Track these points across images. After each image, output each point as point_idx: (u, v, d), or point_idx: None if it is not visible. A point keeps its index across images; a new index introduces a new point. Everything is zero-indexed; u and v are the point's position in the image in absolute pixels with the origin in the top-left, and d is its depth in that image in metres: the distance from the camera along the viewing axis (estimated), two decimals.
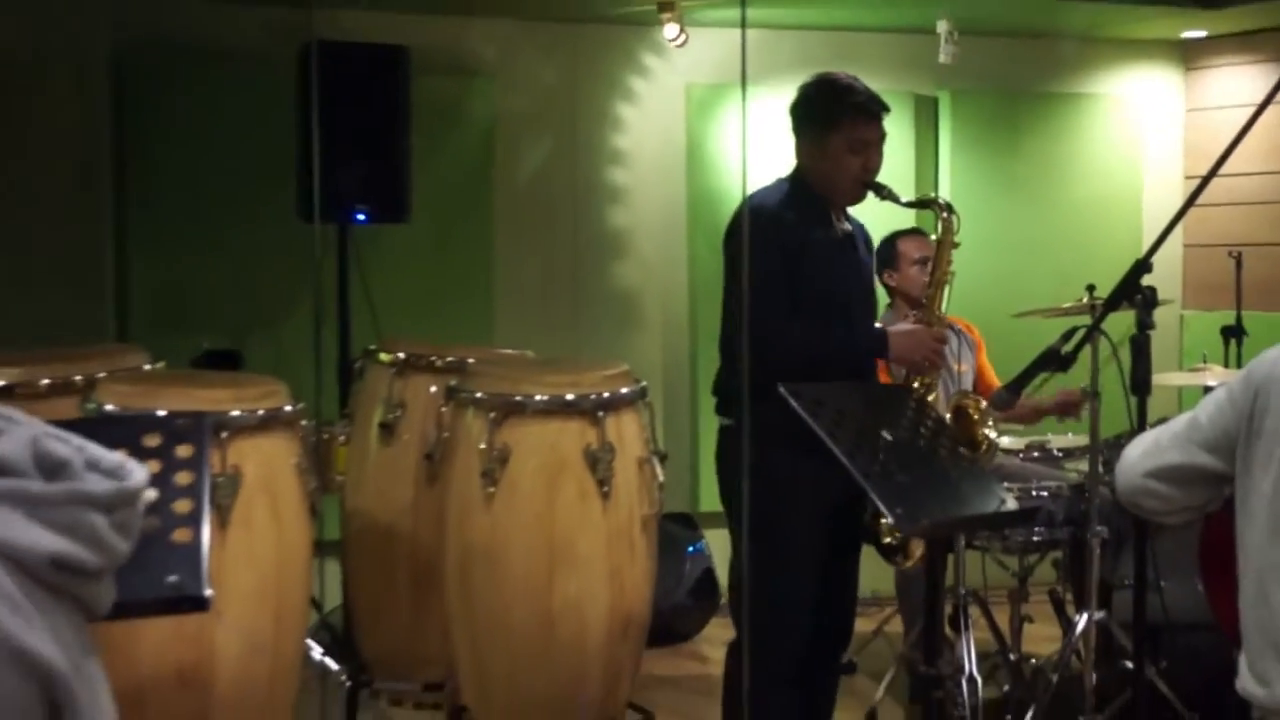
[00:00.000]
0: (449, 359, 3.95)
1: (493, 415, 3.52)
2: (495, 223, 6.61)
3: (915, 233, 5.58)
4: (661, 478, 3.68)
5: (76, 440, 1.61)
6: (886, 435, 3.22)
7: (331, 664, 4.81)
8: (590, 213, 6.80)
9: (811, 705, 4.16)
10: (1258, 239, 7.07)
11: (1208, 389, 5.48)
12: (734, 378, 4.00)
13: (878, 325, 4.26)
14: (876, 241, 4.67)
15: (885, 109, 4.09)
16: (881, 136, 4.09)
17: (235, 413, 3.23)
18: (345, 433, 4.13)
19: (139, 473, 1.64)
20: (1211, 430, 2.79)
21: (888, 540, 4.13)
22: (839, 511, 4.10)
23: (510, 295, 6.60)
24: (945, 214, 4.26)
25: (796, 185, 3.99)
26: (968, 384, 5.59)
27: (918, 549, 4.13)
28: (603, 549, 3.53)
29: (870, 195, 4.09)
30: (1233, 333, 6.41)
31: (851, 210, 4.18)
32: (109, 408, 3.24)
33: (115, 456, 1.63)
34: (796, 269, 3.90)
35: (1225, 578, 2.80)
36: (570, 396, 3.55)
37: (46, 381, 3.48)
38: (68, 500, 1.55)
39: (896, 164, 6.95)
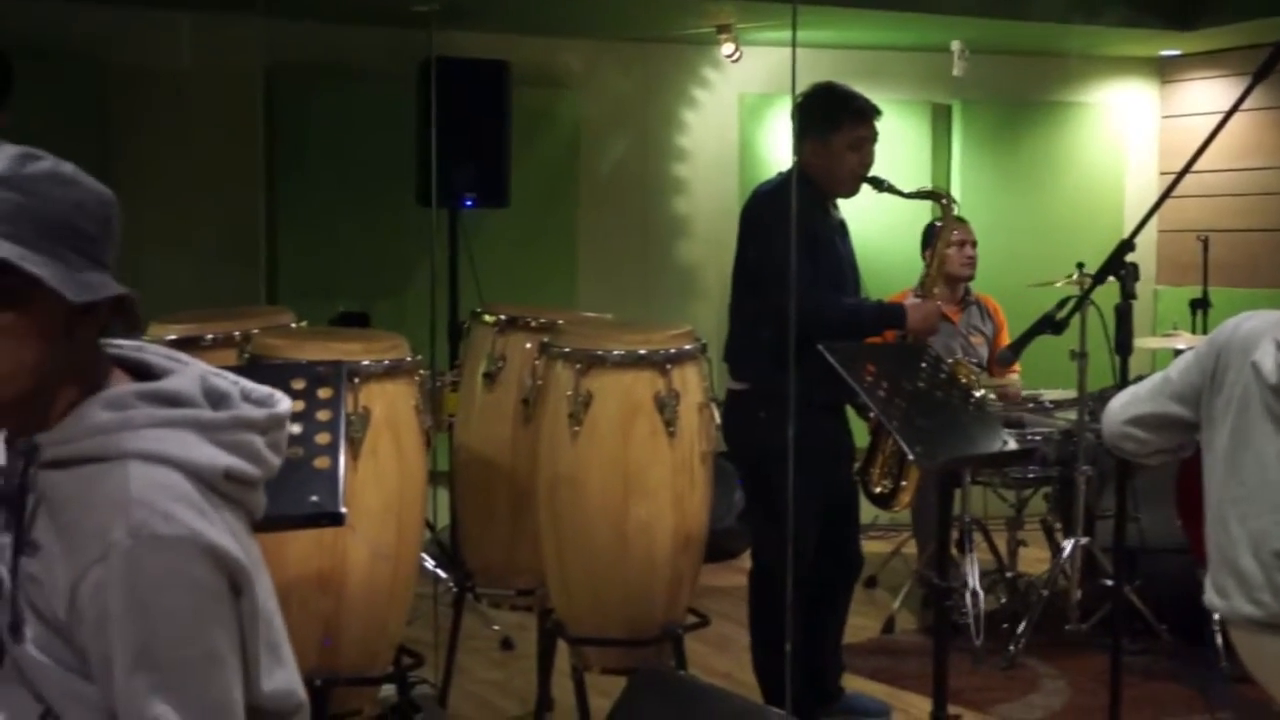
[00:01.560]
0: (542, 320, 3.94)
1: (578, 366, 3.52)
2: (579, 209, 6.60)
3: (959, 220, 5.48)
4: (718, 420, 3.66)
5: (232, 376, 1.62)
6: (907, 386, 3.18)
7: (442, 573, 4.85)
8: (658, 201, 6.78)
9: (828, 622, 4.14)
10: (1222, 225, 6.96)
11: (1177, 351, 5.40)
12: (749, 343, 3.96)
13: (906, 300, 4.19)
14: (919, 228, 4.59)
15: (878, 113, 4.02)
16: (874, 136, 4.01)
17: (365, 362, 3.24)
18: (455, 380, 4.14)
19: (285, 402, 1.65)
20: (1181, 384, 2.76)
21: (878, 489, 4.10)
22: (842, 462, 4.07)
23: (592, 268, 6.60)
24: (946, 203, 4.20)
25: (801, 179, 3.90)
26: (982, 353, 5.54)
27: (905, 496, 4.11)
28: (668, 479, 3.52)
29: (867, 189, 4.03)
30: (1199, 305, 6.32)
31: (856, 203, 4.11)
32: (262, 357, 3.26)
33: (264, 389, 1.65)
34: (813, 248, 3.85)
35: (1196, 510, 2.76)
36: (643, 351, 3.53)
37: (211, 336, 3.51)
38: (233, 425, 1.57)
39: (915, 163, 6.91)
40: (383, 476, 3.24)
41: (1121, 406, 2.88)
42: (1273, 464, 2.55)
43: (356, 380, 3.16)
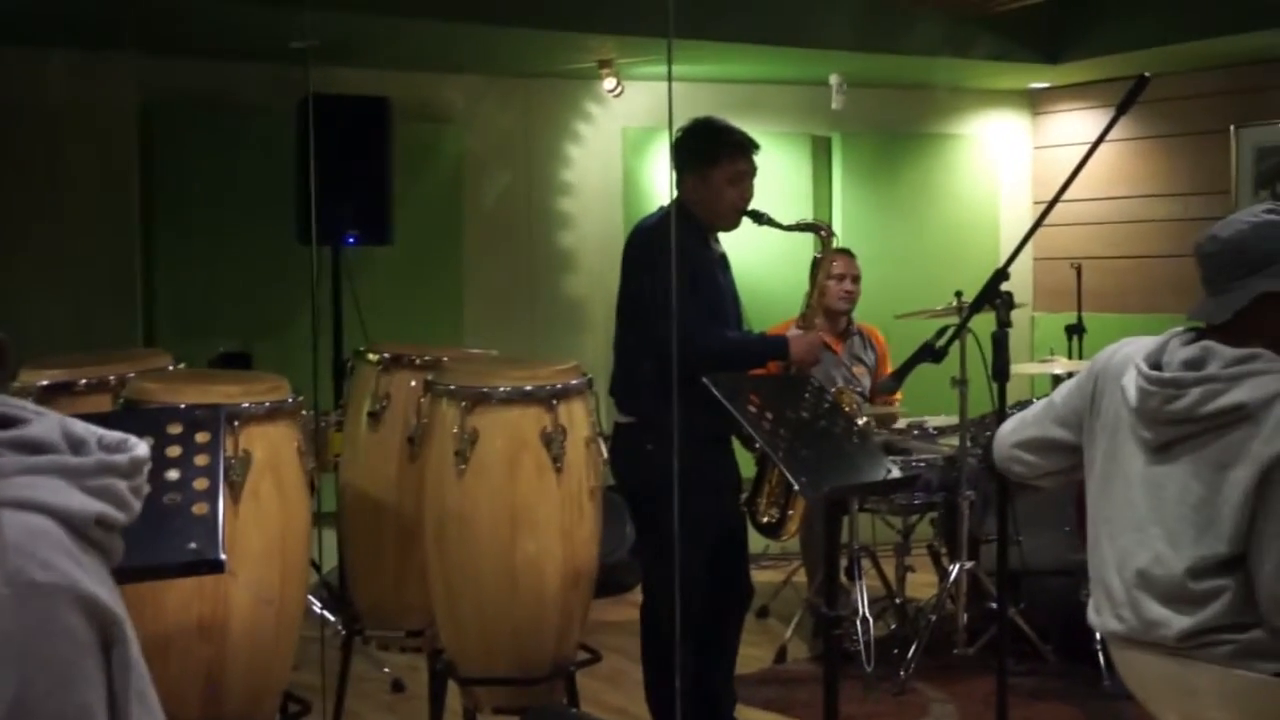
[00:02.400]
0: (426, 357, 3.91)
1: (464, 404, 3.50)
2: (464, 244, 6.57)
3: (843, 252, 5.57)
4: (605, 455, 3.66)
5: (84, 424, 1.61)
6: (791, 417, 3.20)
7: (329, 615, 4.77)
8: (543, 235, 6.78)
9: (719, 654, 4.14)
10: (1095, 253, 7.14)
11: (1055, 376, 5.54)
12: (634, 377, 3.97)
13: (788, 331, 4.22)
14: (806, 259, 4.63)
15: (756, 147, 4.05)
16: (753, 170, 4.04)
17: (245, 404, 3.19)
18: (340, 420, 4.09)
19: (142, 445, 1.63)
20: (1063, 409, 2.83)
21: (765, 519, 4.12)
22: (729, 493, 4.09)
23: (477, 304, 6.57)
24: (826, 235, 4.24)
25: (681, 213, 3.91)
26: (865, 383, 5.61)
27: (792, 525, 4.14)
28: (556, 515, 3.50)
29: (748, 221, 4.06)
30: (1074, 330, 6.47)
31: (739, 236, 4.14)
32: (138, 402, 3.19)
33: (117, 434, 1.63)
34: (695, 281, 3.88)
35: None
36: (529, 387, 3.52)
37: (84, 381, 3.43)
38: (99, 470, 1.55)
39: (796, 194, 6.99)
40: (264, 520, 3.18)
41: (1010, 430, 2.95)
42: (1136, 485, 2.63)
43: (236, 423, 3.11)
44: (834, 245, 4.28)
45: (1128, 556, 2.63)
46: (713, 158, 3.97)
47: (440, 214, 6.50)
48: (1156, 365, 2.61)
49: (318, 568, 4.82)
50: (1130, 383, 2.63)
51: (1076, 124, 7.39)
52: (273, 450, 3.22)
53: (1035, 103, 7.60)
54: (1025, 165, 7.64)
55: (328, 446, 4.05)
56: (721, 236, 4.13)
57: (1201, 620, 2.52)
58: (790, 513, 4.12)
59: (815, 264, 4.26)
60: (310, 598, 4.43)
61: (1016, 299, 3.55)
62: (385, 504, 3.88)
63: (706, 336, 3.85)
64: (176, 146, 5.97)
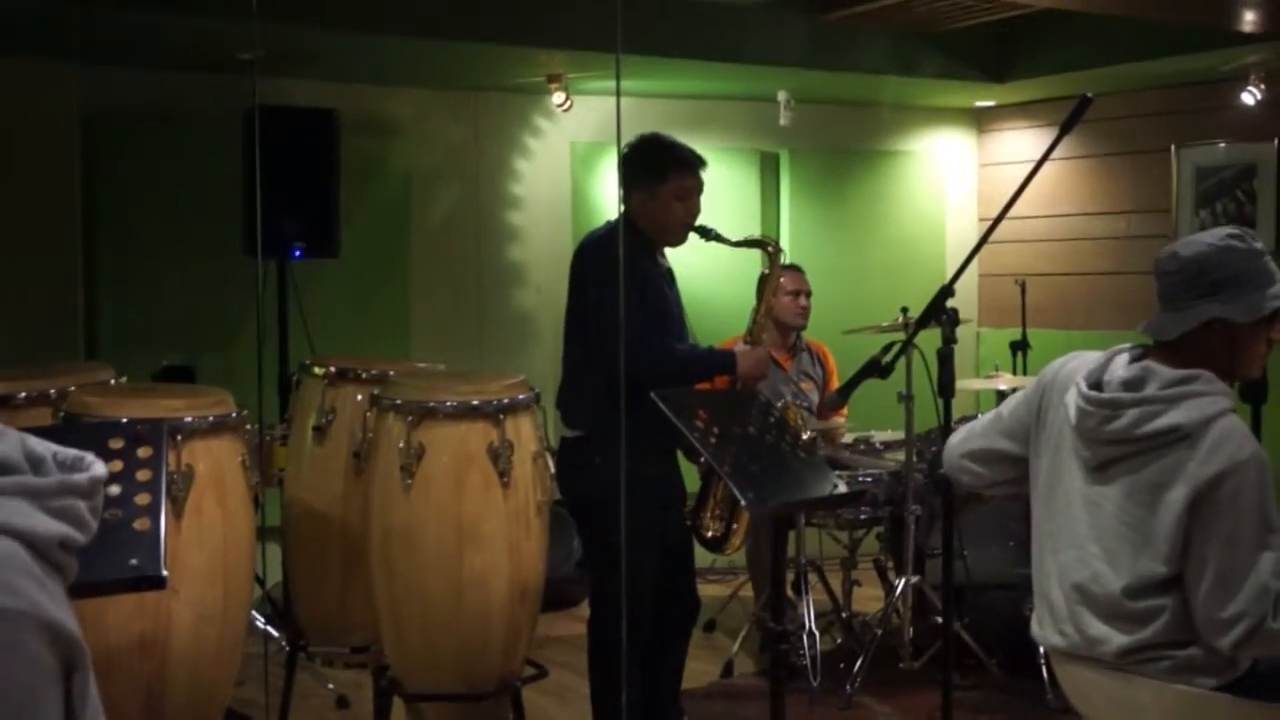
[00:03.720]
0: (373, 371, 3.90)
1: (410, 419, 3.49)
2: (412, 258, 6.55)
3: (792, 268, 5.59)
4: (552, 469, 3.66)
5: (40, 441, 1.58)
6: (738, 432, 3.22)
7: (273, 631, 4.74)
8: (491, 249, 6.77)
9: (666, 668, 4.14)
10: (1039, 270, 7.21)
11: (999, 392, 5.58)
12: (581, 391, 3.97)
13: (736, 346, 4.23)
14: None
15: (704, 163, 4.07)
16: (700, 186, 4.06)
17: (188, 419, 3.17)
18: (285, 434, 4.07)
19: (99, 464, 1.61)
20: (1010, 421, 2.86)
21: (710, 533, 4.13)
22: (675, 506, 4.10)
23: (425, 318, 6.55)
24: (773, 251, 4.26)
25: (628, 228, 3.92)
26: (813, 398, 5.63)
27: (736, 540, 4.15)
28: (504, 529, 3.50)
29: (695, 237, 4.08)
30: (1019, 346, 6.52)
31: (685, 251, 4.15)
32: (79, 416, 3.16)
33: (73, 452, 1.60)
34: (643, 296, 3.89)
35: None
36: (475, 402, 3.52)
37: (24, 394, 3.40)
38: (60, 491, 1.53)
39: (744, 210, 7.02)
40: (207, 535, 3.16)
41: (959, 440, 2.98)
42: (1076, 502, 2.66)
43: (179, 438, 3.10)
44: (781, 261, 4.29)
45: (1068, 572, 2.66)
46: (661, 174, 3.99)
47: (388, 227, 6.47)
48: (1097, 384, 2.64)
49: (261, 583, 4.78)
50: (1072, 400, 2.66)
51: (1021, 142, 7.47)
52: (216, 465, 3.21)
53: (981, 121, 7.68)
54: (971, 182, 7.72)
55: (272, 461, 4.03)
56: (668, 251, 4.14)
57: (1141, 638, 2.55)
58: (735, 526, 4.13)
59: (762, 280, 4.28)
60: (254, 613, 4.40)
61: (961, 315, 3.59)
62: (330, 519, 3.86)
63: (654, 350, 3.86)
64: (119, 158, 5.91)
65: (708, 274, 6.15)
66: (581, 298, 3.98)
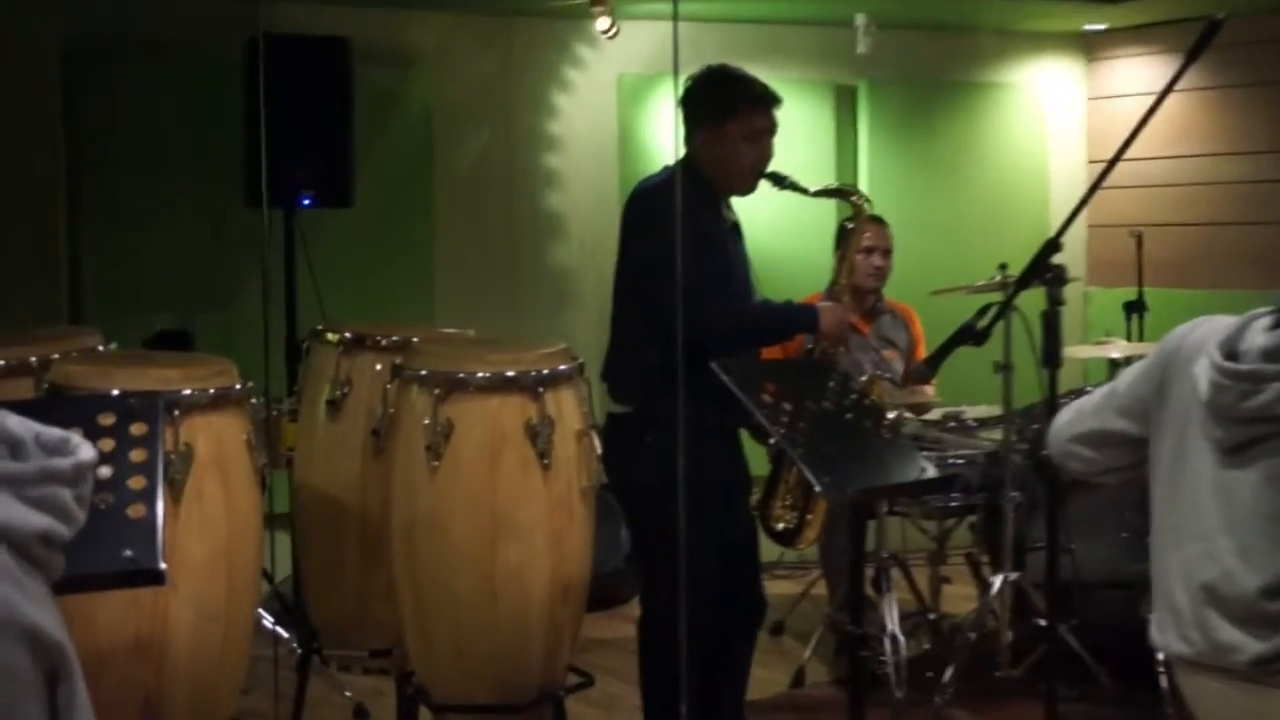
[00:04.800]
0: (393, 338, 3.91)
1: (436, 391, 3.50)
2: (436, 207, 6.57)
3: (875, 220, 5.52)
4: (599, 449, 3.66)
5: (18, 417, 1.58)
6: (812, 408, 3.21)
7: (282, 632, 4.78)
8: (527, 197, 6.78)
9: (728, 676, 4.15)
10: (1157, 219, 7.14)
11: (1112, 361, 5.54)
12: (632, 360, 3.97)
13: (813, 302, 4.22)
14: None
15: (778, 100, 4.06)
16: (774, 126, 4.05)
17: (187, 391, 3.19)
18: (294, 409, 4.09)
19: (86, 447, 1.61)
20: (1127, 398, 2.83)
21: (780, 525, 4.13)
22: (739, 494, 4.09)
23: (451, 276, 6.56)
24: (858, 200, 4.24)
25: (689, 174, 3.91)
26: (897, 368, 5.60)
27: (811, 533, 4.14)
28: (543, 518, 3.51)
29: (766, 185, 4.06)
30: (1134, 308, 6.47)
31: (751, 201, 4.14)
32: (64, 388, 3.19)
33: (56, 432, 1.60)
34: (705, 252, 3.88)
35: None
36: (511, 373, 3.52)
37: (1, 363, 3.42)
38: (41, 478, 1.53)
39: (817, 150, 6.99)
40: (209, 524, 3.19)
41: (1067, 422, 2.96)
42: (1205, 487, 2.63)
43: (176, 413, 3.11)
44: (867, 212, 4.26)
45: (1195, 569, 2.63)
46: (728, 111, 3.98)
47: (408, 172, 6.48)
48: (1232, 354, 2.61)
49: (270, 578, 4.83)
50: (1202, 372, 2.63)
51: (1137, 72, 7.38)
52: (218, 444, 3.23)
53: (1090, 47, 7.60)
54: (1079, 119, 7.64)
55: (280, 439, 4.06)
56: (734, 202, 4.13)
57: (1278, 644, 2.53)
58: (809, 517, 4.14)
59: (845, 234, 4.26)
60: (261, 612, 4.44)
61: (1069, 273, 3.57)
62: (346, 505, 3.88)
63: (721, 309, 3.86)
64: (106, 93, 5.95)
65: (776, 227, 6.12)
66: (634, 253, 3.98)
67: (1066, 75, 7.62)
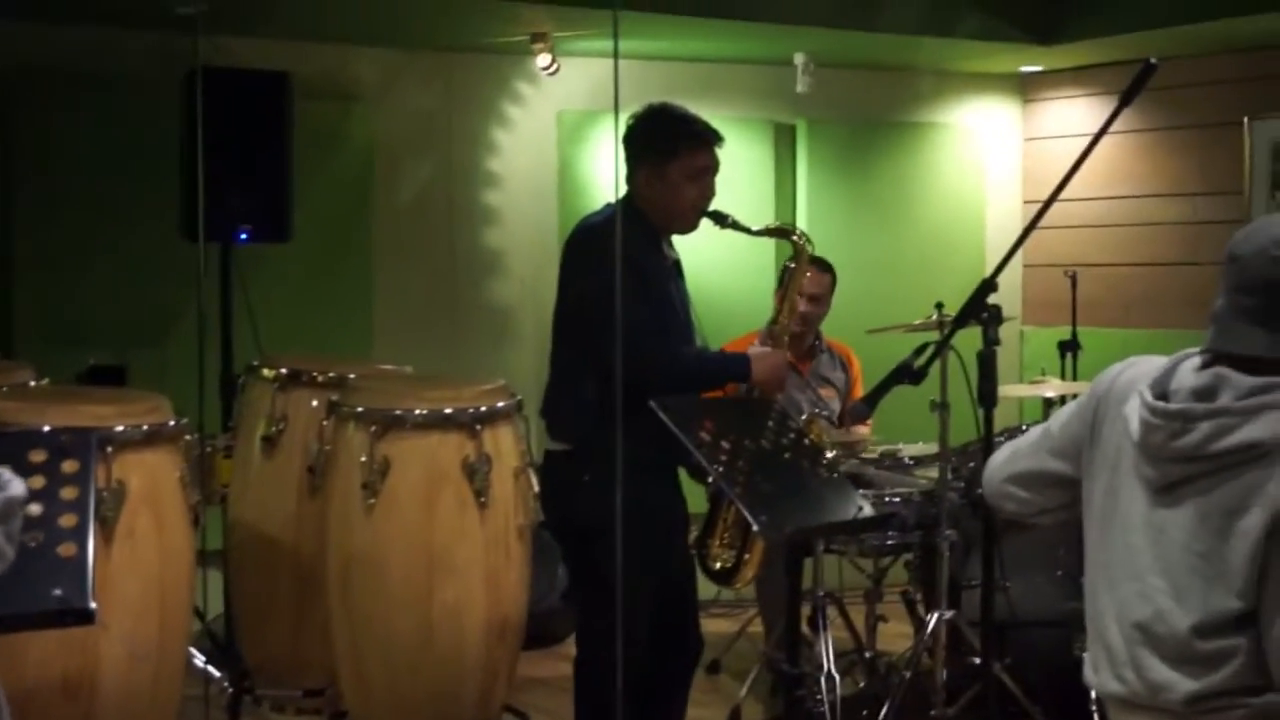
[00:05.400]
0: (330, 374, 3.90)
1: (373, 429, 3.49)
2: (374, 242, 6.55)
3: (819, 264, 5.50)
4: (536, 488, 3.66)
5: None
6: (750, 446, 3.22)
7: (214, 671, 4.72)
8: (466, 233, 6.77)
9: (664, 715, 4.14)
10: (1092, 260, 7.22)
11: (1047, 400, 5.58)
12: (570, 398, 3.97)
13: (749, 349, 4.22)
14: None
15: (720, 139, 4.08)
16: (716, 165, 4.06)
17: (120, 428, 3.18)
18: (229, 446, 4.07)
19: (16, 482, 1.59)
20: (1060, 438, 2.84)
21: (718, 564, 4.12)
22: (677, 532, 4.09)
23: (389, 312, 6.54)
24: (799, 241, 4.25)
25: (631, 212, 3.90)
26: (834, 407, 5.62)
27: (749, 571, 4.13)
28: (480, 557, 3.51)
29: (710, 224, 4.07)
30: (1069, 347, 6.52)
31: (692, 239, 4.15)
32: None
33: None
34: (645, 291, 3.88)
35: None
36: (448, 410, 3.52)
37: None
38: None
39: (756, 188, 7.02)
40: (141, 562, 3.18)
41: (1002, 462, 2.96)
42: (1137, 528, 2.64)
43: (109, 449, 3.11)
44: (810, 253, 4.27)
45: (1128, 609, 2.65)
46: (670, 150, 3.99)
47: (347, 207, 6.47)
48: (1163, 393, 2.63)
49: (201, 616, 4.77)
50: (1133, 412, 2.65)
51: (1073, 113, 7.47)
52: (151, 481, 3.21)
53: (1027, 89, 7.68)
54: (1015, 159, 7.72)
55: (214, 476, 4.03)
56: (676, 240, 4.15)
57: (1211, 683, 2.54)
58: (747, 556, 4.13)
59: (786, 273, 4.27)
60: (193, 651, 4.39)
61: (1005, 312, 3.60)
62: (281, 543, 3.86)
63: (657, 352, 3.86)
64: (42, 125, 5.90)
65: (718, 265, 6.15)
66: (574, 291, 3.98)
67: (1003, 116, 7.70)
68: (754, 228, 4.12)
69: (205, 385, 4.54)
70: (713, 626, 5.72)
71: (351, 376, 3.84)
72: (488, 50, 6.61)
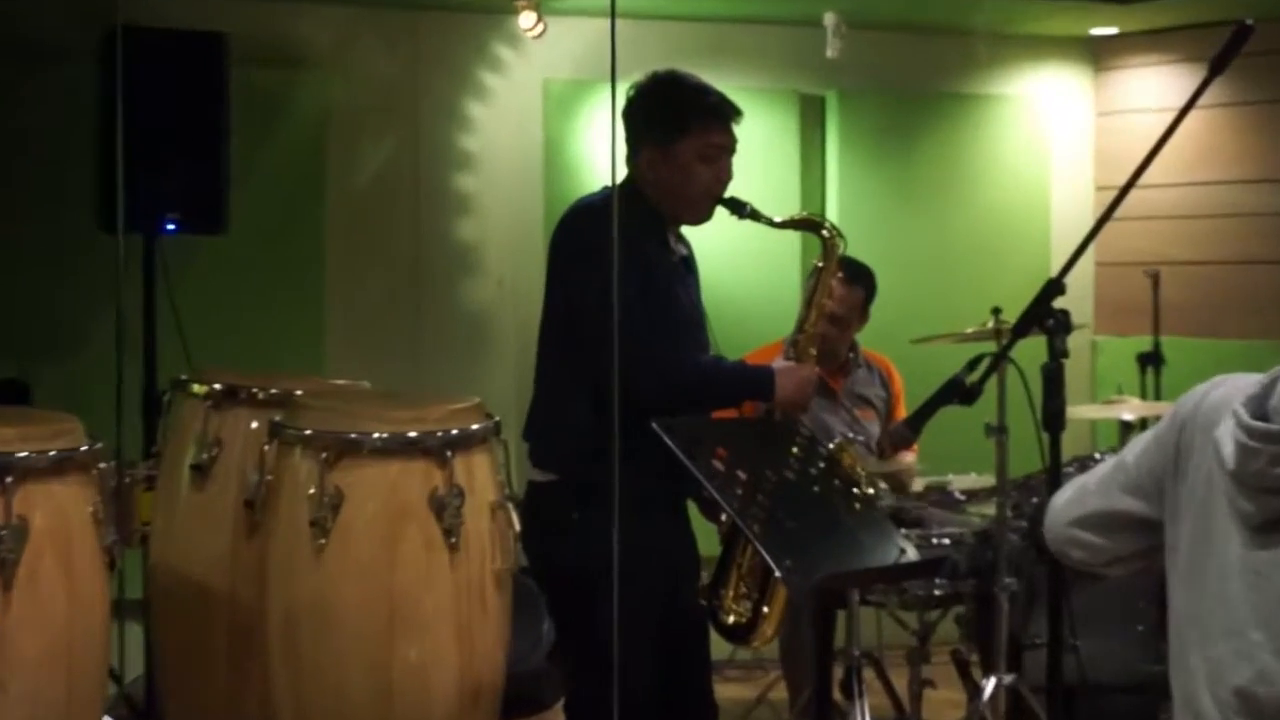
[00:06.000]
0: (272, 390, 3.90)
1: (324, 455, 3.49)
2: (327, 234, 6.55)
3: (851, 267, 5.39)
4: (518, 526, 3.65)
5: None
6: (772, 477, 3.21)
7: None
8: (436, 223, 6.77)
9: None
10: (1175, 257, 7.21)
11: (1124, 423, 5.57)
12: (559, 418, 3.96)
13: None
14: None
15: (739, 113, 4.08)
16: (733, 144, 4.06)
17: (22, 454, 3.19)
18: (151, 476, 4.06)
19: None
20: (1137, 472, 2.83)
21: (732, 618, 4.10)
22: (684, 580, 4.08)
23: (344, 317, 6.54)
24: (830, 236, 4.24)
25: (632, 198, 3.91)
26: (872, 430, 5.60)
27: (769, 627, 4.12)
28: (450, 608, 3.50)
29: (726, 213, 4.06)
30: (1150, 360, 6.52)
31: (704, 232, 4.15)
32: None
33: None
34: (648, 291, 3.87)
35: None
36: (413, 434, 3.52)
37: None
38: None
39: (779, 171, 7.01)
40: (46, 612, 3.18)
41: (1067, 501, 2.95)
42: (1234, 574, 2.63)
43: (9, 480, 3.11)
44: (840, 250, 4.27)
45: (1224, 670, 2.64)
46: (680, 126, 3.99)
47: (295, 193, 6.47)
48: (1262, 413, 2.62)
49: (118, 678, 4.77)
50: (1226, 437, 2.64)
51: (1153, 84, 7.47)
52: (58, 517, 3.21)
53: (1099, 55, 7.68)
54: (1085, 137, 7.71)
55: (134, 512, 4.02)
56: (686, 232, 4.15)
57: None
58: (767, 609, 4.10)
59: (815, 274, 4.26)
60: (107, 718, 4.39)
61: (1074, 319, 3.58)
62: (213, 591, 3.86)
63: (662, 363, 3.86)
64: None
65: (733, 262, 6.14)
66: (563, 292, 3.98)
67: (1071, 87, 7.69)
68: (776, 218, 4.12)
69: (124, 404, 4.54)
70: (728, 692, 5.71)
71: (298, 393, 3.83)
72: (461, 8, 6.63)
